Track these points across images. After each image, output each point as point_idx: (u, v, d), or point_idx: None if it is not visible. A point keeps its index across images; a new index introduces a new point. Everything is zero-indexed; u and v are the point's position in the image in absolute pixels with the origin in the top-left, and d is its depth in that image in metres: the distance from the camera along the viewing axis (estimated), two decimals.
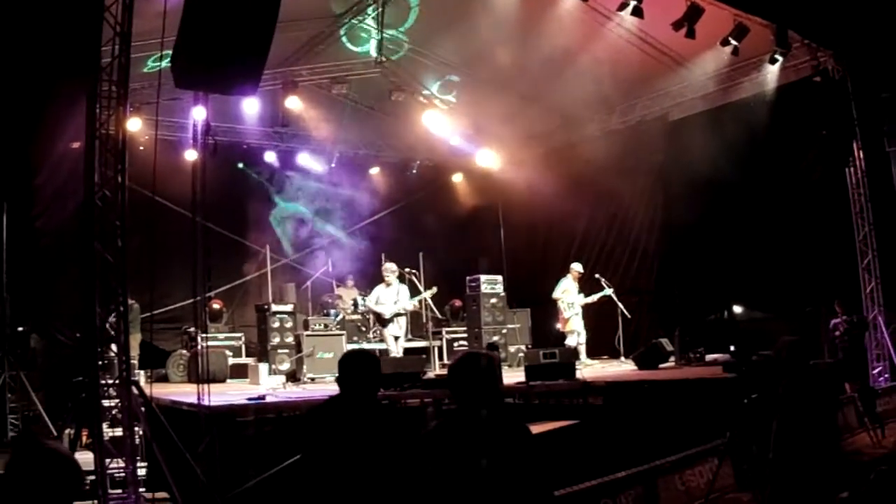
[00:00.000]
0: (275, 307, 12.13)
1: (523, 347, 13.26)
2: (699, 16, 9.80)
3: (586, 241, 14.68)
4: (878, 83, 10.62)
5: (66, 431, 6.64)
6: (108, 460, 6.01)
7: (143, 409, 6.40)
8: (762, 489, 5.42)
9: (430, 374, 10.22)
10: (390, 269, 11.56)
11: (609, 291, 12.49)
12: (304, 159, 15.69)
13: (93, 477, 6.00)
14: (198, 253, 7.23)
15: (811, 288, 11.28)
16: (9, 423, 9.19)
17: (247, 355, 12.99)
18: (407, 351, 11.98)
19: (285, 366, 11.59)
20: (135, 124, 10.74)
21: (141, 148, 10.73)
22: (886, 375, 10.44)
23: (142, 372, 9.87)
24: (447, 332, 13.92)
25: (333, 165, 15.94)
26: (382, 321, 11.38)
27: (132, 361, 7.43)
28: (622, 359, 12.52)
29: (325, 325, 12.00)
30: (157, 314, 9.29)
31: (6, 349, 9.28)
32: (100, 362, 6.22)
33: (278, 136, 15.12)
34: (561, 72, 11.75)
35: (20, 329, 9.86)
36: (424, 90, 14.12)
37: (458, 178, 16.89)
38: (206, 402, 6.82)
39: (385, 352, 11.15)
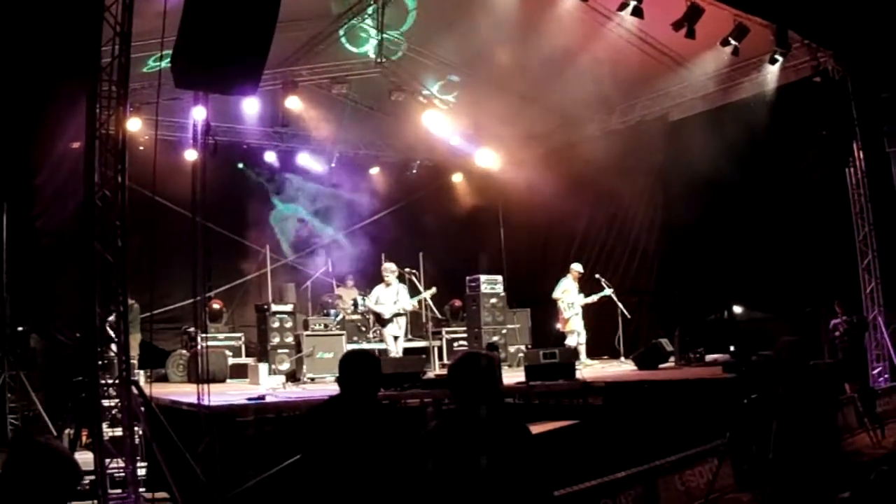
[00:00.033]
0: (275, 307, 12.13)
1: (523, 347, 13.26)
2: (699, 16, 9.80)
3: (586, 241, 14.68)
4: (878, 83, 10.62)
5: (66, 431, 6.63)
6: (107, 460, 6.01)
7: (142, 408, 6.40)
8: (762, 489, 5.42)
9: (430, 375, 10.21)
10: (390, 269, 11.56)
11: (609, 291, 12.49)
12: (304, 159, 15.70)
13: (93, 477, 6.00)
14: (198, 253, 7.23)
15: (811, 288, 11.28)
16: (9, 423, 9.18)
17: (247, 355, 12.99)
18: (407, 351, 11.98)
19: (285, 366, 11.60)
20: (135, 124, 10.74)
21: (141, 148, 10.72)
22: (886, 376, 10.44)
23: (141, 372, 9.88)
24: (447, 332, 13.91)
25: (333, 165, 15.95)
26: (382, 321, 11.38)
27: (132, 361, 7.44)
28: (622, 359, 12.52)
29: (325, 325, 12.00)
30: (157, 314, 9.28)
31: (6, 349, 9.27)
32: (100, 362, 6.22)
33: (278, 136, 15.12)
34: (561, 72, 11.75)
35: (20, 329, 9.86)
36: (424, 90, 14.12)
37: (458, 178, 16.89)
38: (205, 402, 6.82)
39: (384, 352, 11.15)
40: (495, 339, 13.13)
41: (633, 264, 13.98)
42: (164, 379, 11.61)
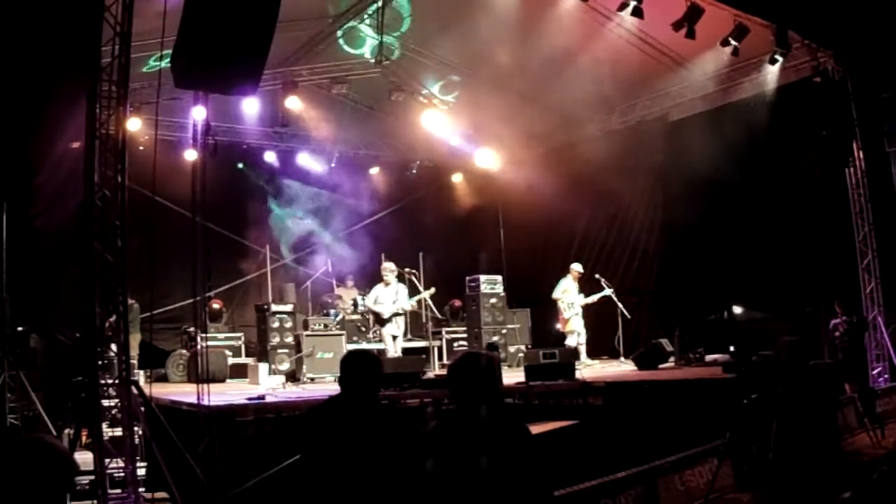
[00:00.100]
0: (274, 307, 12.13)
1: (523, 347, 13.26)
2: (699, 16, 9.80)
3: (586, 242, 14.67)
4: (878, 83, 10.62)
5: (66, 431, 6.63)
6: (107, 460, 6.01)
7: (142, 408, 6.40)
8: (762, 489, 5.42)
9: (430, 375, 10.21)
10: (389, 268, 11.58)
11: (609, 292, 12.49)
12: (303, 159, 15.70)
13: (92, 477, 6.00)
14: (198, 253, 7.23)
15: (811, 288, 11.27)
16: (8, 423, 9.17)
17: (246, 355, 13.00)
18: (406, 351, 11.99)
19: (285, 366, 11.60)
20: (135, 124, 10.74)
21: (141, 148, 10.73)
22: (886, 376, 10.44)
23: (141, 372, 9.88)
24: (447, 333, 13.92)
25: (333, 165, 15.95)
26: (381, 321, 11.39)
27: (132, 361, 7.43)
28: (622, 359, 12.52)
29: (325, 325, 12.00)
30: (157, 314, 9.28)
31: (6, 349, 9.26)
32: (99, 362, 6.22)
33: (278, 136, 15.12)
34: (561, 72, 11.75)
35: (20, 329, 9.84)
36: (424, 90, 14.12)
37: (457, 178, 16.88)
38: (205, 402, 6.82)
39: (383, 351, 11.15)
40: (495, 339, 13.13)
41: (633, 264, 13.98)
42: (163, 379, 11.61)
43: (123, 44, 6.25)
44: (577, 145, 14.14)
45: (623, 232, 14.17)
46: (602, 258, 14.23)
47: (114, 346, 6.35)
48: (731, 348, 11.24)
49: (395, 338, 11.39)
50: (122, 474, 6.20)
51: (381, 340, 11.66)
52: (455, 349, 13.38)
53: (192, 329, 12.03)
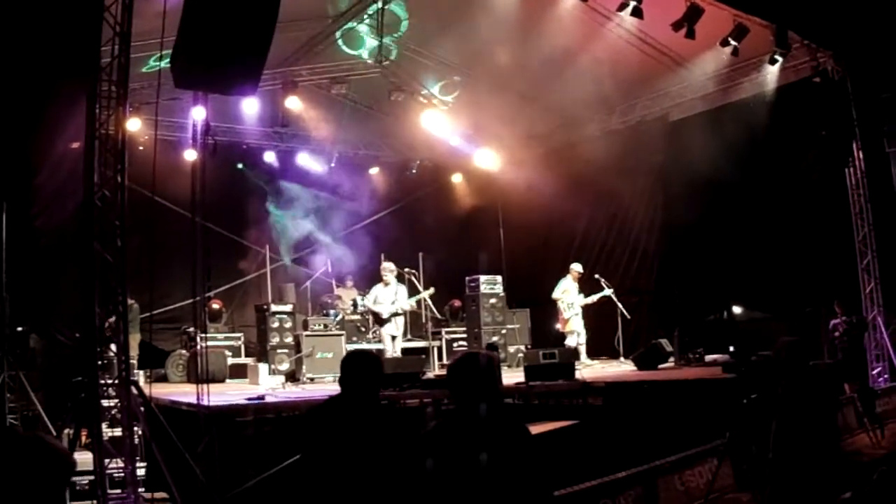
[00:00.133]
0: (274, 307, 12.13)
1: (523, 348, 13.26)
2: (699, 16, 9.80)
3: (586, 242, 14.66)
4: (878, 83, 10.62)
5: (66, 431, 6.63)
6: (107, 460, 6.01)
7: (142, 409, 6.40)
8: (762, 489, 5.42)
9: (430, 375, 10.21)
10: (389, 268, 11.59)
11: (609, 292, 12.49)
12: (303, 159, 15.70)
13: (92, 477, 6.00)
14: (197, 253, 7.23)
15: (811, 288, 11.28)
16: (8, 423, 9.17)
17: (246, 355, 13.00)
18: (406, 351, 11.99)
19: (285, 366, 11.59)
20: (134, 124, 10.74)
21: (140, 148, 10.73)
22: (886, 376, 10.44)
23: (141, 372, 9.88)
24: (446, 333, 13.91)
25: (333, 165, 15.94)
26: (380, 320, 11.41)
27: (131, 361, 7.43)
28: (622, 359, 12.52)
29: (325, 326, 12.00)
30: (157, 314, 9.28)
31: (5, 349, 9.25)
32: (99, 362, 6.22)
33: (278, 137, 15.12)
34: (561, 72, 11.75)
35: (20, 329, 9.84)
36: (424, 90, 14.11)
37: (457, 179, 16.88)
38: (205, 402, 6.82)
39: (381, 351, 11.16)
40: (495, 339, 13.13)
41: (633, 264, 13.97)
42: (163, 379, 11.60)
43: (123, 44, 6.25)
44: (577, 145, 14.13)
45: (623, 232, 14.17)
46: (602, 258, 14.22)
47: (113, 347, 6.35)
48: (731, 348, 11.24)
49: (394, 338, 11.40)
50: (122, 474, 6.19)
51: (380, 340, 11.66)
52: (455, 349, 13.38)
53: (191, 329, 12.03)
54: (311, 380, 10.92)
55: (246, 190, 15.06)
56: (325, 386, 10.12)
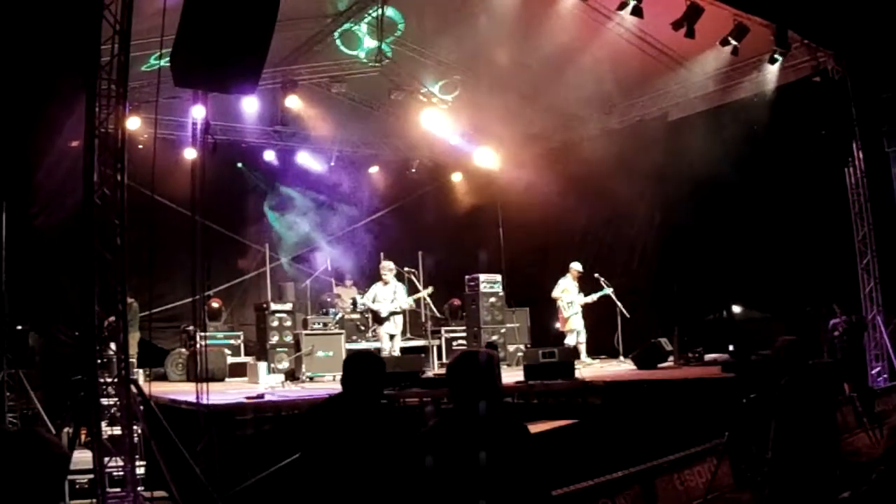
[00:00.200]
0: (274, 306, 12.13)
1: (522, 347, 13.26)
2: (699, 15, 9.79)
3: (586, 241, 14.65)
4: (878, 83, 10.62)
5: (65, 430, 6.62)
6: (106, 459, 6.02)
7: (141, 407, 6.40)
8: (761, 489, 5.42)
9: (429, 374, 10.22)
10: (388, 267, 11.60)
11: (608, 291, 12.50)
12: (303, 158, 15.69)
13: (91, 476, 6.00)
14: (197, 251, 7.23)
15: (810, 288, 11.28)
16: (7, 422, 9.17)
17: (245, 354, 12.99)
18: (406, 350, 11.99)
19: (284, 365, 11.60)
20: (134, 123, 10.73)
21: (140, 146, 10.72)
22: (885, 376, 10.43)
23: (140, 370, 9.88)
24: (446, 332, 13.92)
25: (333, 164, 15.93)
26: (378, 319, 11.43)
27: (131, 360, 7.43)
28: (621, 358, 12.53)
29: (324, 324, 12.00)
30: (156, 313, 9.28)
31: (5, 347, 9.26)
32: (98, 361, 6.22)
33: (277, 135, 15.10)
34: (560, 71, 11.75)
35: (19, 327, 9.84)
36: (423, 88, 14.11)
37: (457, 178, 16.86)
38: (204, 401, 6.82)
39: (379, 350, 11.17)
40: (494, 338, 13.12)
41: (633, 263, 13.96)
42: (163, 378, 11.60)
43: (123, 42, 6.25)
44: (577, 144, 14.14)
45: (622, 231, 14.16)
46: (601, 257, 14.20)
47: (113, 345, 6.35)
48: (730, 348, 11.25)
49: (392, 336, 11.41)
50: (122, 473, 6.19)
51: (379, 339, 11.68)
52: (454, 348, 13.38)
53: (191, 328, 12.01)
54: (311, 378, 10.93)
55: (245, 189, 15.06)
56: (325, 385, 10.13)
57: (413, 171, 16.74)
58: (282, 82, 12.98)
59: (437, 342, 13.35)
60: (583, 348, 12.42)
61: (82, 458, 6.51)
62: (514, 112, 13.56)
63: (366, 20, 12.11)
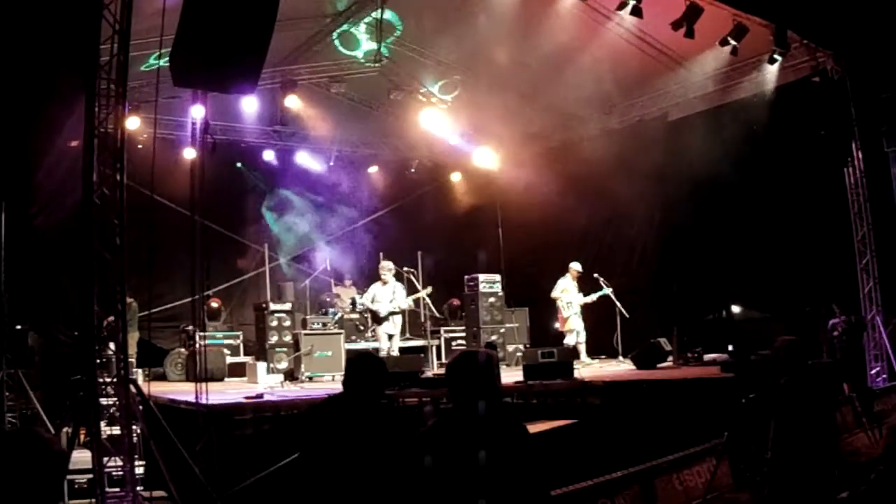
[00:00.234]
0: (273, 306, 12.12)
1: (521, 347, 13.26)
2: (698, 15, 9.79)
3: (585, 241, 14.64)
4: (878, 83, 10.62)
5: (64, 430, 6.63)
6: (105, 459, 6.02)
7: (140, 407, 6.40)
8: (760, 489, 5.43)
9: (429, 374, 10.21)
10: (387, 267, 11.61)
11: (608, 291, 12.50)
12: (302, 158, 15.68)
13: (91, 475, 6.00)
14: (196, 251, 7.23)
15: (809, 288, 11.28)
16: (7, 422, 9.17)
17: (245, 354, 12.98)
18: (405, 350, 11.99)
19: (283, 364, 11.59)
20: (133, 122, 10.72)
21: (139, 146, 10.72)
22: (885, 376, 10.43)
23: (140, 370, 9.87)
24: (445, 332, 13.92)
25: (332, 164, 15.93)
26: (377, 319, 11.43)
27: (130, 360, 7.43)
28: (620, 358, 12.53)
29: (324, 324, 12.00)
30: (156, 312, 9.26)
31: (4, 347, 9.26)
32: (98, 360, 6.21)
33: (277, 135, 15.09)
34: (560, 71, 11.75)
35: (18, 327, 9.84)
36: (423, 88, 14.11)
37: (456, 178, 16.86)
38: (203, 401, 6.82)
39: (377, 350, 11.17)
40: (494, 338, 13.12)
41: (632, 263, 13.96)
42: (162, 377, 11.58)
43: (122, 42, 6.25)
44: (576, 144, 14.14)
45: (622, 231, 14.16)
46: (601, 257, 14.19)
47: (112, 345, 6.35)
48: (730, 348, 11.24)
49: (391, 336, 11.42)
50: (121, 473, 6.20)
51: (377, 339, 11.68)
52: (453, 348, 13.38)
53: (190, 328, 12.01)
54: (310, 378, 10.92)
55: (245, 189, 15.05)
56: (324, 384, 10.13)
57: (412, 171, 16.74)
58: (281, 82, 12.97)
59: (436, 342, 13.35)
60: (582, 348, 12.42)
61: (81, 457, 6.51)
62: (514, 112, 13.55)
63: (365, 21, 12.11)
